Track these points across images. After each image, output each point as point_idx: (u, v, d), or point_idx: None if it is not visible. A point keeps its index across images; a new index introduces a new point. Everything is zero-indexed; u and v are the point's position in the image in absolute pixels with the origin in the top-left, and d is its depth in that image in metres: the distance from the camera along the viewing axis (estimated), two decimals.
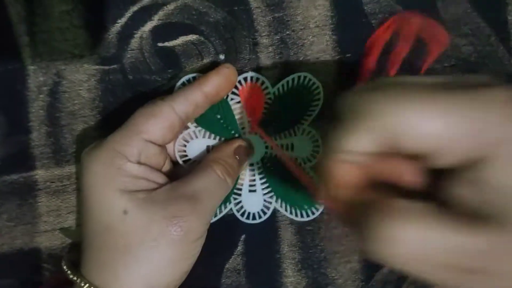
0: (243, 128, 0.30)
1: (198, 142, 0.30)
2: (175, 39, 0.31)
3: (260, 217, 0.31)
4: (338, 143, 0.19)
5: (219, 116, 0.29)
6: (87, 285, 0.25)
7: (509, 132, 0.17)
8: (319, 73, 0.31)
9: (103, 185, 0.25)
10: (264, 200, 0.31)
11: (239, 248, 0.32)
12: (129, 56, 0.31)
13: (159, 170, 0.28)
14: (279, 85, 0.30)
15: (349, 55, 0.31)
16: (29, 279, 0.31)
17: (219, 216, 0.30)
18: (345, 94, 0.20)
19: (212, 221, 0.28)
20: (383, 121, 0.18)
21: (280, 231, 0.32)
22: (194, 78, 0.29)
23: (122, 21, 0.31)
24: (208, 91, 0.28)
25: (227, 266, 0.32)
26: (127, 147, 0.26)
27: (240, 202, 0.31)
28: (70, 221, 0.31)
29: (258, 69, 0.31)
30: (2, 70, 0.31)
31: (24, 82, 0.31)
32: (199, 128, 0.30)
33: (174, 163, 0.30)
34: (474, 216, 0.17)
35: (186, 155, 0.30)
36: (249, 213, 0.31)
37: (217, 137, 0.30)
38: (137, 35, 0.31)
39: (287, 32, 0.31)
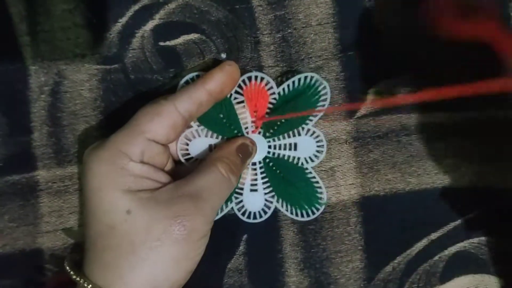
0: (246, 128, 0.30)
1: (200, 140, 0.30)
2: (177, 38, 0.31)
3: (261, 216, 0.31)
4: None
5: (222, 115, 0.29)
6: (90, 285, 0.25)
7: None
8: (321, 71, 0.31)
9: (106, 185, 0.25)
10: (266, 200, 0.31)
11: (241, 248, 0.32)
12: (130, 55, 0.31)
13: (162, 169, 0.28)
14: (284, 85, 0.29)
15: (351, 52, 0.31)
16: (31, 280, 0.31)
17: (220, 215, 0.30)
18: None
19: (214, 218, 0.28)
20: None
21: (282, 231, 0.32)
22: (197, 76, 0.29)
23: (123, 20, 0.31)
24: (212, 89, 0.27)
25: (229, 266, 0.32)
26: (130, 146, 0.26)
27: (241, 201, 0.31)
28: (72, 221, 0.31)
29: (260, 68, 0.31)
30: (3, 70, 0.31)
31: (25, 82, 0.31)
32: (202, 127, 0.30)
33: (177, 162, 0.30)
34: None
35: (188, 154, 0.30)
36: (250, 212, 0.31)
37: (220, 136, 0.30)
38: (139, 34, 0.31)
39: (289, 30, 0.31)
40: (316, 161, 0.31)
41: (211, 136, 0.30)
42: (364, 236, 0.32)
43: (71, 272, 0.26)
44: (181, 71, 0.31)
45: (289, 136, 0.30)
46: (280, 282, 0.32)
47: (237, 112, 0.30)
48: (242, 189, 0.31)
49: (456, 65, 0.31)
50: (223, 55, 0.31)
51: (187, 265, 0.26)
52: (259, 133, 0.30)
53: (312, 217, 0.31)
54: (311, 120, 0.30)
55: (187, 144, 0.30)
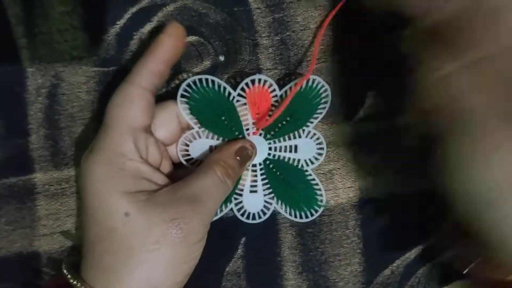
0: (247, 129, 0.30)
1: (201, 142, 0.30)
2: None
3: (260, 217, 0.31)
4: None
5: (224, 118, 0.29)
6: None
7: None
8: (319, 74, 0.31)
9: (104, 188, 0.25)
10: (265, 201, 0.31)
11: (239, 251, 0.32)
12: (128, 58, 0.31)
13: (159, 170, 0.28)
14: (287, 87, 0.29)
15: (350, 55, 0.31)
16: (28, 283, 0.31)
17: (219, 215, 0.30)
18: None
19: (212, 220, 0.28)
20: None
21: (280, 234, 0.32)
22: (199, 80, 0.29)
23: (121, 22, 0.30)
24: (166, 58, 0.27)
25: (227, 269, 0.32)
26: (122, 144, 0.26)
27: (240, 202, 0.31)
28: (69, 224, 0.31)
29: (258, 70, 0.31)
30: (0, 72, 0.31)
31: (23, 84, 0.31)
32: (202, 128, 0.29)
33: (176, 165, 0.30)
34: None
35: (188, 155, 0.30)
36: (249, 213, 0.31)
37: (220, 138, 0.30)
38: (137, 36, 0.31)
39: (287, 33, 0.31)
40: (316, 163, 0.31)
41: (212, 138, 0.30)
42: (362, 239, 0.32)
43: (69, 276, 0.26)
44: (179, 73, 0.31)
45: (289, 138, 0.30)
46: (278, 285, 0.32)
47: (239, 114, 0.30)
48: (242, 190, 0.31)
49: None
50: (221, 58, 0.31)
51: (185, 268, 0.26)
52: (260, 134, 0.30)
53: (310, 218, 0.31)
54: (311, 123, 0.30)
55: (188, 146, 0.30)
